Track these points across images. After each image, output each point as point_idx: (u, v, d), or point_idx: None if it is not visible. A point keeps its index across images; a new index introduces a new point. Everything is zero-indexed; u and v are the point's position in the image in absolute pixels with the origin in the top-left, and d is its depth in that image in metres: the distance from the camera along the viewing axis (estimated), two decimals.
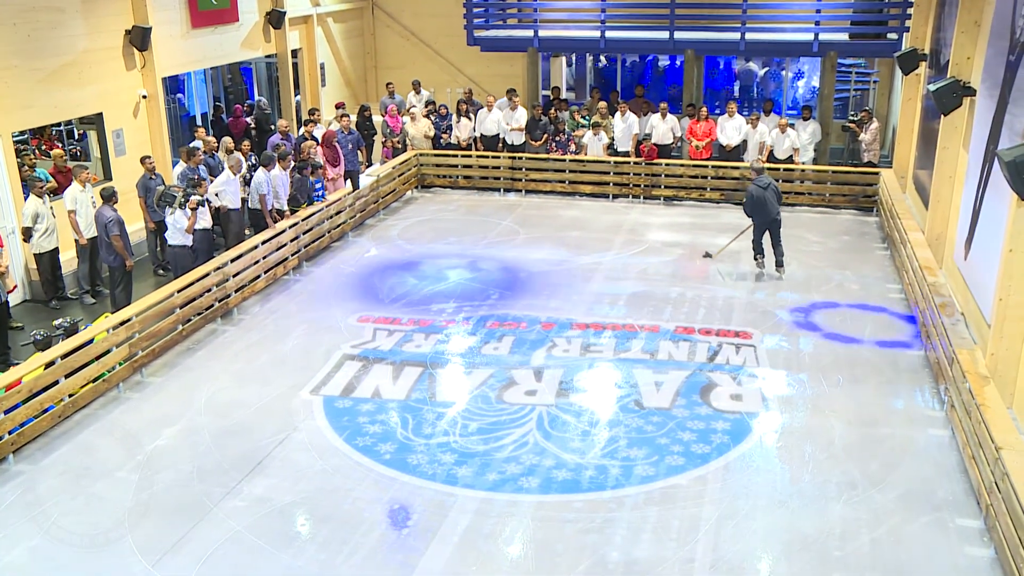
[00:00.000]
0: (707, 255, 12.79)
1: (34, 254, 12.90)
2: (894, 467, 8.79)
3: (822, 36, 19.34)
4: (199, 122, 18.66)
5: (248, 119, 18.59)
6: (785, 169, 17.77)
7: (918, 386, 10.43)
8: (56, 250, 13.03)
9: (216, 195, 13.82)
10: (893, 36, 19.06)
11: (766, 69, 23.63)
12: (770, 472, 8.79)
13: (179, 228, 12.48)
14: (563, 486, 8.53)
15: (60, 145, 15.44)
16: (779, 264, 13.80)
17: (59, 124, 15.40)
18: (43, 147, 15.62)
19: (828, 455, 9.03)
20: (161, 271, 14.32)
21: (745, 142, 18.22)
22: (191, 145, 14.81)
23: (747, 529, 7.89)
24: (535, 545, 7.72)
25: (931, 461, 8.89)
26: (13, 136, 13.34)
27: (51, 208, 12.82)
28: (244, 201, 14.41)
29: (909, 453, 9.04)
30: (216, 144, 15.76)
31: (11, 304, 12.27)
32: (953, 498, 8.26)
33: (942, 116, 12.50)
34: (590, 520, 8.01)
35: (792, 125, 18.17)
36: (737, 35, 19.70)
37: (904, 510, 8.09)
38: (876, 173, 17.49)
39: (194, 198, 12.45)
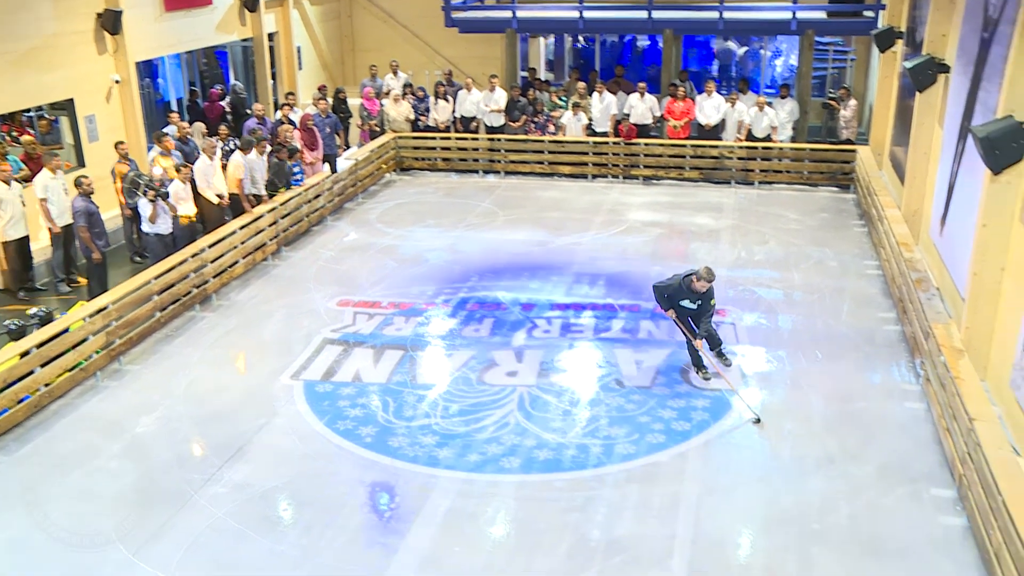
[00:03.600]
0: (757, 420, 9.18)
1: (1, 243, 12.79)
2: (871, 441, 8.91)
3: (800, 14, 19.39)
4: (174, 107, 18.51)
5: (224, 103, 18.47)
6: (763, 148, 17.87)
7: (895, 361, 10.56)
8: (25, 239, 12.92)
9: (207, 186, 13.76)
10: (870, 14, 19.14)
11: (745, 48, 23.67)
12: (750, 448, 8.89)
13: (147, 217, 12.47)
14: (544, 466, 8.61)
15: (31, 132, 15.29)
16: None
17: (29, 110, 15.24)
18: (14, 134, 15.46)
19: (807, 430, 9.14)
20: (138, 258, 14.26)
21: (724, 121, 18.29)
22: (163, 130, 14.72)
23: (727, 505, 7.99)
24: (517, 525, 7.80)
25: (907, 434, 9.02)
26: None
27: (20, 196, 12.70)
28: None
29: (886, 427, 9.17)
30: (190, 129, 15.67)
31: None
32: (928, 470, 8.38)
33: (917, 93, 12.61)
34: (571, 499, 8.09)
35: (770, 103, 18.24)
36: (715, 14, 19.72)
37: (881, 483, 8.21)
38: (853, 150, 17.62)
39: (152, 190, 12.39)
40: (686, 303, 10.07)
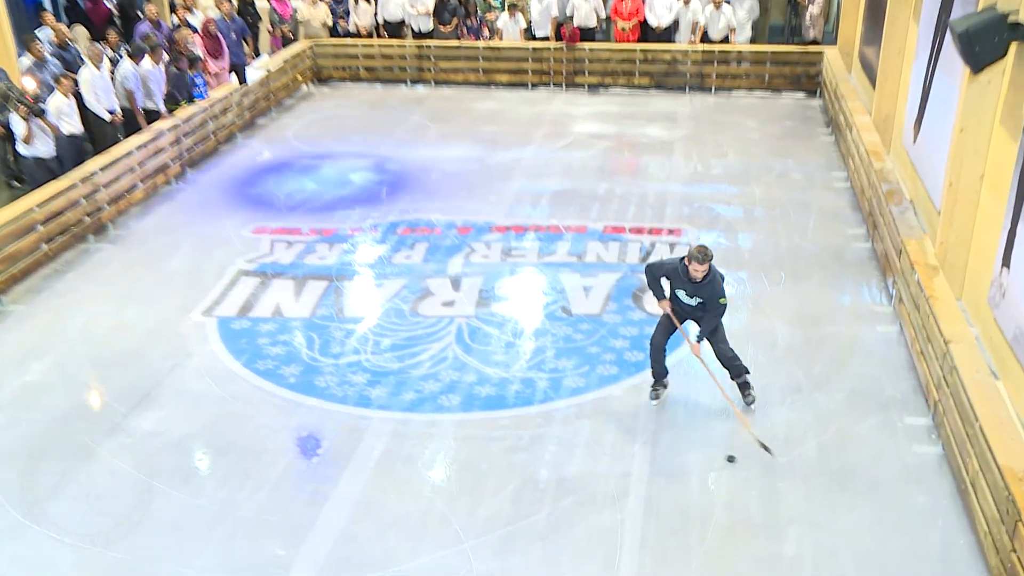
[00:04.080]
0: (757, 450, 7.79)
1: None
2: (840, 367, 9.05)
3: None
4: (48, 7, 17.72)
5: (110, 5, 17.74)
6: (720, 51, 17.80)
7: (865, 281, 10.71)
8: None
9: (96, 100, 13.28)
10: None
11: None
12: (709, 378, 8.95)
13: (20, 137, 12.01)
14: (487, 403, 8.60)
15: None
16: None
17: None
18: None
19: (770, 358, 9.25)
20: (16, 183, 13.75)
21: (677, 22, 18.15)
22: (34, 33, 14.08)
23: (686, 440, 8.07)
24: (458, 467, 7.80)
25: (879, 359, 9.18)
26: None
27: None
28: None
29: (856, 352, 9.32)
30: (70, 34, 15.03)
31: None
32: (901, 396, 8.56)
33: None
34: (517, 437, 8.10)
35: (728, 1, 18.13)
36: None
37: (851, 412, 8.36)
38: (819, 52, 17.65)
39: (24, 105, 11.88)
40: (682, 295, 8.11)
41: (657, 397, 8.57)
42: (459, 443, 8.08)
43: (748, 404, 8.46)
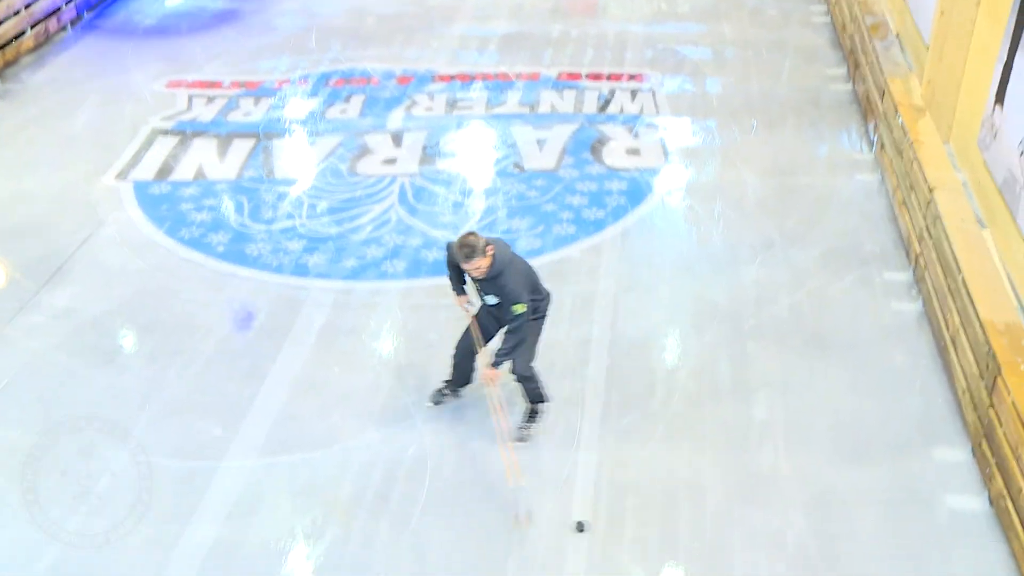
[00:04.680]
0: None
1: None
2: (816, 221, 9.19)
3: None
4: None
5: None
6: None
7: (844, 126, 10.80)
8: None
9: None
10: None
11: None
12: (674, 236, 9.10)
13: None
14: (434, 267, 8.62)
15: None
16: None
17: None
18: None
19: (740, 213, 9.36)
20: None
21: None
22: None
23: (649, 302, 8.21)
24: (406, 337, 7.91)
25: (857, 211, 9.33)
26: None
27: None
28: None
29: (833, 204, 9.45)
30: None
31: None
32: (881, 250, 8.74)
33: None
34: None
35: None
36: None
37: (826, 269, 8.54)
38: None
39: None
40: (477, 289, 6.61)
41: (438, 403, 7.18)
42: (406, 312, 8.17)
43: (519, 435, 6.84)
